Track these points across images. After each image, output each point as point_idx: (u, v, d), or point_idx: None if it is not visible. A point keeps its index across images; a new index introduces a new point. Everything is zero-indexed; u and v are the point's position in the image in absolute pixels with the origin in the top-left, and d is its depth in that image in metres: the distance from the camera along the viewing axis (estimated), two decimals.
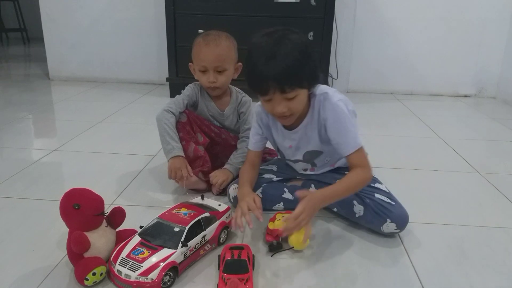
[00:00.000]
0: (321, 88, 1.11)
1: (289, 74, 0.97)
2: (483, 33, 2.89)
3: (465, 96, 3.02)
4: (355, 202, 1.15)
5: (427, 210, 1.30)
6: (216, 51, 1.33)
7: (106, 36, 3.06)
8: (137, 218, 1.09)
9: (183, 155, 1.30)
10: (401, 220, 1.10)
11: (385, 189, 1.17)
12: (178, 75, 2.62)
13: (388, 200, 1.13)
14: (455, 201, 1.38)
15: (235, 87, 1.49)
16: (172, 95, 2.70)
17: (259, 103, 1.17)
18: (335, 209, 1.21)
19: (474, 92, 3.03)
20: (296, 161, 1.24)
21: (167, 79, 2.69)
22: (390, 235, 1.14)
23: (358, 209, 1.14)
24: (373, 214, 1.11)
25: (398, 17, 2.90)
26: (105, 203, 0.96)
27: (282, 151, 1.25)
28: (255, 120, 1.22)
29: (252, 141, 1.24)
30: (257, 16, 2.51)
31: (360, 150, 1.07)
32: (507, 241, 1.14)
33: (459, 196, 1.42)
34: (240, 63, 1.41)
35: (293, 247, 1.05)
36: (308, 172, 1.28)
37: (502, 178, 1.57)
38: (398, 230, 1.11)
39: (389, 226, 1.10)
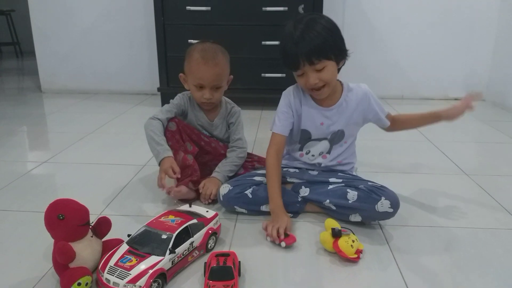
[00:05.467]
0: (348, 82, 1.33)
1: (315, 46, 1.14)
2: (471, 37, 2.92)
3: (455, 99, 3.04)
4: (349, 190, 1.21)
5: (414, 213, 1.31)
6: (215, 71, 1.34)
7: (97, 47, 3.07)
8: (125, 228, 1.09)
9: (170, 154, 1.30)
10: (395, 199, 1.15)
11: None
12: (169, 85, 2.63)
13: (380, 185, 1.20)
14: (442, 203, 1.39)
15: (225, 97, 1.50)
16: (164, 105, 2.70)
17: (289, 88, 1.33)
18: (327, 201, 1.22)
19: (463, 95, 3.04)
20: (321, 139, 1.32)
21: (158, 89, 2.70)
22: (384, 216, 1.16)
23: (352, 195, 1.19)
24: (367, 195, 1.17)
25: (386, 22, 2.94)
26: (93, 213, 0.97)
27: (309, 131, 1.32)
28: (284, 104, 1.30)
29: (279, 125, 1.29)
30: (246, 25, 2.53)
31: (389, 113, 1.38)
32: (494, 243, 1.15)
33: (447, 198, 1.43)
34: (231, 76, 1.43)
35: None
36: (318, 160, 1.34)
37: (490, 180, 1.58)
38: (391, 210, 1.14)
39: (383, 204, 1.14)
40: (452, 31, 2.91)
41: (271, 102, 1.34)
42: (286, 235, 1.11)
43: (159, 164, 1.29)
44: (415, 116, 1.41)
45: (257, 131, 2.17)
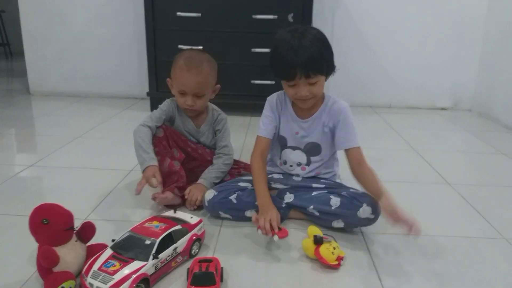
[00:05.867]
0: (331, 95, 1.33)
1: (314, 62, 1.16)
2: (458, 47, 2.98)
3: (442, 109, 3.11)
4: (332, 196, 1.24)
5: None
6: (197, 79, 1.36)
7: (87, 51, 3.08)
8: (110, 233, 1.11)
9: (156, 163, 1.31)
10: (375, 205, 1.18)
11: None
12: (159, 90, 2.64)
13: (362, 192, 1.24)
14: (424, 212, 1.42)
15: (212, 105, 1.52)
16: (153, 109, 2.69)
17: (273, 94, 1.36)
18: (311, 207, 1.25)
19: (450, 105, 3.11)
20: (295, 148, 1.35)
21: (148, 94, 2.72)
22: (365, 223, 1.19)
23: (335, 201, 1.23)
24: (350, 201, 1.21)
25: (376, 32, 2.99)
26: (79, 218, 0.99)
27: (285, 137, 1.35)
28: (269, 109, 1.34)
29: (263, 128, 1.32)
30: (236, 32, 2.56)
31: (360, 148, 1.28)
32: (472, 251, 1.19)
33: (428, 207, 1.46)
34: (218, 85, 1.46)
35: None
36: (297, 171, 1.37)
37: (471, 189, 1.62)
38: (373, 216, 1.18)
39: (365, 210, 1.17)
40: (440, 42, 2.97)
41: (260, 109, 1.37)
42: (279, 228, 1.13)
43: (143, 171, 1.30)
44: (370, 183, 1.23)
45: (246, 137, 2.20)
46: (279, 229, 1.13)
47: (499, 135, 2.45)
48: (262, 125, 1.33)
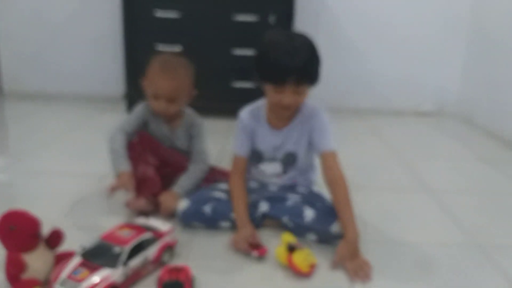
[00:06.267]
0: (307, 101, 1.33)
1: (307, 69, 1.19)
2: (442, 52, 3.05)
3: (426, 114, 3.17)
4: (305, 208, 1.27)
5: (371, 229, 1.38)
6: (171, 84, 1.38)
7: (63, 51, 3.07)
8: (80, 239, 1.12)
9: (129, 169, 1.33)
10: None
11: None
12: (135, 91, 2.64)
13: None
14: (401, 220, 1.47)
15: (188, 109, 1.54)
16: (129, 110, 2.72)
17: (245, 109, 1.39)
18: (285, 218, 1.28)
19: (434, 110, 3.19)
20: (272, 160, 1.38)
21: (124, 95, 2.72)
22: (337, 237, 1.21)
23: (308, 213, 1.25)
24: (323, 215, 1.24)
25: (360, 36, 3.04)
26: (49, 224, 1.00)
27: (261, 151, 1.38)
28: (240, 128, 1.37)
29: (241, 146, 1.37)
30: (215, 33, 2.58)
31: (335, 153, 1.29)
32: (445, 258, 1.24)
33: (406, 215, 1.51)
34: (194, 90, 1.48)
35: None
36: (274, 179, 1.40)
37: (451, 197, 1.68)
38: None
39: (337, 227, 1.20)
40: (424, 45, 3.04)
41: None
42: (257, 246, 1.18)
43: (117, 176, 1.32)
44: (337, 204, 1.23)
45: (223, 143, 2.21)
46: (258, 246, 1.17)
47: (481, 141, 2.53)
48: (238, 144, 1.37)
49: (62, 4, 2.98)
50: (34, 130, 2.36)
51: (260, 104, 1.39)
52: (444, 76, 3.11)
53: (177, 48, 2.57)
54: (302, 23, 2.84)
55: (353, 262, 1.12)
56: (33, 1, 2.98)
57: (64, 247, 1.06)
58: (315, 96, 1.41)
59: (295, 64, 1.17)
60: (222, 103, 2.69)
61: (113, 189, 1.29)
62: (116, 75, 3.01)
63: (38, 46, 3.07)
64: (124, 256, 1.00)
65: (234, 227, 1.29)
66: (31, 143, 2.08)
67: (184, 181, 1.43)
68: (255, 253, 1.16)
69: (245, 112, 1.40)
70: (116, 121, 1.45)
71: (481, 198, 1.70)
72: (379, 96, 3.16)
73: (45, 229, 1.03)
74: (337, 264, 1.14)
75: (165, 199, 1.37)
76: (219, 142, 2.19)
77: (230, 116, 2.77)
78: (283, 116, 1.33)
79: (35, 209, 1.02)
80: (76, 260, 0.99)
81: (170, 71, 1.39)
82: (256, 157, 1.40)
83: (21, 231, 0.95)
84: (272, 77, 1.21)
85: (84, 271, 0.96)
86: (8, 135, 2.35)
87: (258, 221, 1.32)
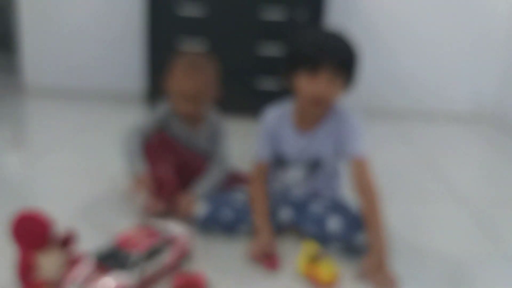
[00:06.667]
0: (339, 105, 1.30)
1: (345, 52, 1.17)
2: (481, 52, 2.97)
3: (461, 118, 3.08)
4: (329, 216, 1.24)
5: (399, 239, 1.34)
6: (196, 85, 1.37)
7: (85, 47, 3.12)
8: (94, 240, 1.13)
9: (144, 171, 1.33)
10: None
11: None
12: (157, 90, 2.66)
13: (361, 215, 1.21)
14: (431, 230, 1.43)
15: (211, 110, 1.53)
16: (150, 109, 2.75)
17: (267, 112, 1.36)
18: (307, 226, 1.26)
19: (470, 114, 3.10)
20: (297, 164, 1.33)
21: (146, 94, 2.74)
22: (360, 249, 1.18)
23: (332, 223, 1.22)
24: (348, 224, 1.21)
25: (393, 36, 2.98)
26: (63, 224, 1.00)
27: (285, 155, 1.34)
28: (263, 130, 1.34)
29: (263, 150, 1.34)
30: (240, 33, 2.57)
31: (366, 159, 1.23)
32: (477, 270, 1.20)
33: (437, 226, 1.47)
34: (219, 91, 1.46)
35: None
36: (296, 185, 1.37)
37: (484, 208, 1.62)
38: None
39: (362, 239, 1.17)
40: (461, 46, 2.97)
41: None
42: (272, 257, 1.16)
43: (135, 177, 1.32)
44: (366, 218, 1.19)
45: (245, 145, 2.18)
46: (273, 258, 1.15)
47: None
48: (260, 147, 1.34)
49: (85, 1, 3.03)
50: (55, 126, 2.40)
51: (287, 105, 1.36)
52: (481, 80, 3.02)
53: (201, 46, 2.57)
54: (332, 19, 2.81)
55: (379, 275, 1.09)
56: None
57: (77, 246, 1.05)
58: (349, 97, 1.35)
59: (334, 44, 1.16)
60: (246, 102, 2.68)
61: (133, 191, 1.29)
62: (138, 72, 3.04)
63: (60, 42, 3.13)
64: (139, 261, 1.00)
65: (252, 231, 1.27)
66: (51, 139, 2.12)
67: (203, 184, 1.42)
68: (266, 264, 1.14)
69: (270, 113, 1.36)
70: (136, 118, 1.45)
71: None
72: (412, 98, 3.09)
73: (59, 228, 1.03)
74: (362, 277, 1.11)
75: (183, 202, 1.36)
76: (239, 144, 2.16)
77: (253, 115, 2.77)
78: (313, 115, 1.27)
79: (50, 207, 1.03)
80: (91, 263, 0.99)
81: (195, 71, 1.38)
82: (279, 161, 1.37)
83: (33, 231, 0.96)
84: (308, 57, 1.17)
85: (98, 275, 0.96)
86: (29, 130, 2.40)
87: (279, 227, 1.30)
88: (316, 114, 1.28)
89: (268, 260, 1.15)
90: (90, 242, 1.12)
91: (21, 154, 1.99)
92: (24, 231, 0.96)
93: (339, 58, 1.16)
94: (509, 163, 2.18)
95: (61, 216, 1.06)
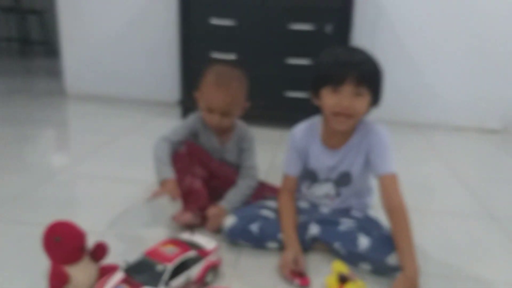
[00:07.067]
0: (366, 119, 1.27)
1: (368, 67, 1.15)
2: (510, 65, 2.84)
3: (491, 131, 2.96)
4: (360, 234, 1.18)
5: (433, 260, 1.27)
6: (226, 98, 1.34)
7: (122, 54, 3.15)
8: (124, 250, 1.11)
9: (174, 177, 1.30)
10: None
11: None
12: (190, 98, 2.65)
13: None
14: (465, 251, 1.34)
15: (240, 122, 1.50)
16: (184, 117, 2.73)
17: (297, 127, 1.33)
18: (337, 244, 1.20)
19: (500, 127, 2.96)
20: (327, 180, 1.31)
21: (179, 102, 2.74)
22: (393, 269, 1.11)
23: (363, 241, 1.16)
24: (379, 245, 1.14)
25: (420, 45, 2.88)
26: (94, 233, 0.98)
27: (315, 171, 1.31)
28: (291, 146, 1.32)
29: (290, 166, 1.32)
30: (271, 41, 2.54)
31: (395, 176, 1.19)
32: None
33: (470, 246, 1.38)
34: (247, 103, 1.43)
35: None
36: (326, 201, 1.33)
37: None
38: None
39: (394, 258, 1.10)
40: (491, 57, 2.83)
41: (291, 122, 1.35)
42: (302, 275, 1.11)
43: (161, 184, 1.28)
44: (396, 236, 1.13)
45: (274, 155, 2.14)
46: (302, 274, 1.11)
47: None
48: (288, 162, 1.32)
49: (123, 11, 3.06)
50: (91, 133, 2.42)
51: (315, 122, 1.32)
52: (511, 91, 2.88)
53: (231, 56, 2.55)
54: (360, 33, 2.75)
55: None
56: (95, 8, 3.08)
57: (107, 258, 1.04)
58: (376, 108, 1.30)
59: (355, 59, 1.15)
60: (275, 111, 2.65)
61: (155, 195, 1.25)
62: (172, 81, 3.05)
63: (99, 51, 3.17)
64: (166, 275, 0.96)
65: (282, 248, 1.22)
66: (87, 146, 2.13)
67: (233, 197, 1.39)
68: (296, 281, 1.09)
69: (298, 129, 1.33)
70: (169, 127, 1.43)
71: None
72: (440, 110, 2.98)
73: (91, 239, 1.01)
74: None
75: (212, 214, 1.32)
76: (268, 155, 2.13)
77: (281, 126, 2.73)
78: (339, 131, 1.23)
79: (82, 216, 1.00)
80: (119, 276, 0.97)
81: (224, 85, 1.34)
82: (309, 177, 1.33)
83: (66, 243, 0.94)
84: (331, 74, 1.16)
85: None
86: (66, 137, 2.42)
87: (308, 244, 1.25)
88: (342, 130, 1.23)
89: (299, 277, 1.10)
90: (119, 252, 1.10)
91: (62, 158, 2.01)
92: (56, 243, 0.93)
93: (361, 72, 1.14)
94: None
95: (93, 226, 1.04)
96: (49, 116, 2.75)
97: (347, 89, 1.14)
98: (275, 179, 1.52)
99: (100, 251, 1.02)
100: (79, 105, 3.07)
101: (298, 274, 1.11)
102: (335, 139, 1.27)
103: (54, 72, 4.41)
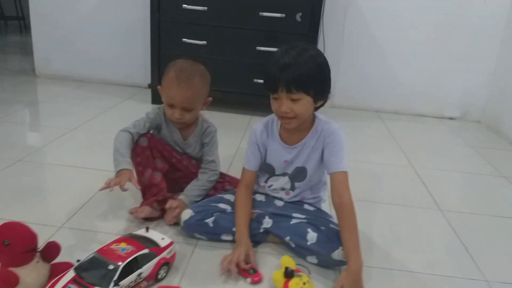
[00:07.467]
0: (323, 117, 1.27)
1: (298, 76, 1.11)
2: (470, 56, 2.87)
3: (450, 118, 3.01)
4: (309, 229, 1.19)
5: (377, 252, 1.29)
6: (186, 94, 1.31)
7: (94, 35, 3.05)
8: (81, 243, 1.09)
9: (130, 168, 1.25)
10: None
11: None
12: (159, 82, 2.60)
13: None
14: (409, 243, 1.37)
15: (203, 115, 1.47)
16: (154, 101, 2.69)
17: (258, 123, 1.32)
18: (288, 237, 1.21)
19: (459, 115, 3.01)
20: (283, 175, 1.31)
21: (149, 85, 2.68)
22: (339, 263, 1.14)
23: (311, 236, 1.17)
24: (326, 240, 1.15)
25: (387, 35, 2.89)
26: (53, 225, 0.95)
27: (273, 165, 1.31)
28: (252, 140, 1.31)
29: (250, 160, 1.31)
30: (241, 28, 2.49)
31: (346, 174, 1.21)
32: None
33: (414, 238, 1.41)
34: (210, 98, 1.41)
35: None
36: (281, 194, 1.33)
37: (462, 218, 1.56)
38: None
39: (340, 253, 1.12)
40: (453, 48, 2.87)
41: (261, 108, 1.34)
42: (253, 271, 1.11)
43: (116, 174, 1.23)
44: (343, 232, 1.13)
45: (240, 143, 2.11)
46: (254, 271, 1.11)
47: (504, 154, 2.36)
48: (247, 156, 1.31)
49: None
50: (59, 116, 2.34)
51: (274, 119, 1.31)
52: (471, 81, 2.93)
53: (202, 42, 2.50)
54: (329, 21, 2.72)
55: None
56: None
57: (62, 249, 1.01)
58: (340, 95, 1.29)
59: (283, 75, 1.12)
60: (246, 97, 2.62)
61: (108, 185, 1.19)
62: (145, 65, 2.96)
63: (68, 31, 3.05)
64: (116, 275, 0.95)
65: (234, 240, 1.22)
66: (53, 132, 2.06)
67: (192, 190, 1.37)
68: (248, 279, 1.09)
69: (257, 125, 1.32)
70: (141, 110, 1.38)
71: (495, 222, 1.57)
72: (402, 98, 3.01)
73: (46, 232, 0.97)
74: None
75: (170, 206, 1.31)
76: (235, 142, 2.10)
77: (250, 111, 2.71)
78: (287, 127, 1.23)
79: (41, 206, 0.97)
80: (68, 276, 0.95)
81: (185, 81, 1.31)
82: (266, 171, 1.34)
83: (14, 246, 0.90)
84: (265, 83, 1.19)
85: None
86: (33, 121, 2.35)
87: (261, 237, 1.26)
88: (292, 129, 1.23)
89: (246, 272, 1.10)
90: (77, 245, 1.07)
91: (26, 143, 1.95)
92: (4, 246, 0.90)
93: (289, 80, 1.12)
94: (490, 170, 2.11)
95: (51, 218, 1.00)
96: (18, 97, 2.65)
97: (282, 95, 1.15)
98: (241, 162, 1.45)
99: (52, 251, 0.99)
100: (50, 85, 2.97)
101: (247, 270, 1.11)
102: (291, 136, 1.27)
103: (27, 51, 4.26)
